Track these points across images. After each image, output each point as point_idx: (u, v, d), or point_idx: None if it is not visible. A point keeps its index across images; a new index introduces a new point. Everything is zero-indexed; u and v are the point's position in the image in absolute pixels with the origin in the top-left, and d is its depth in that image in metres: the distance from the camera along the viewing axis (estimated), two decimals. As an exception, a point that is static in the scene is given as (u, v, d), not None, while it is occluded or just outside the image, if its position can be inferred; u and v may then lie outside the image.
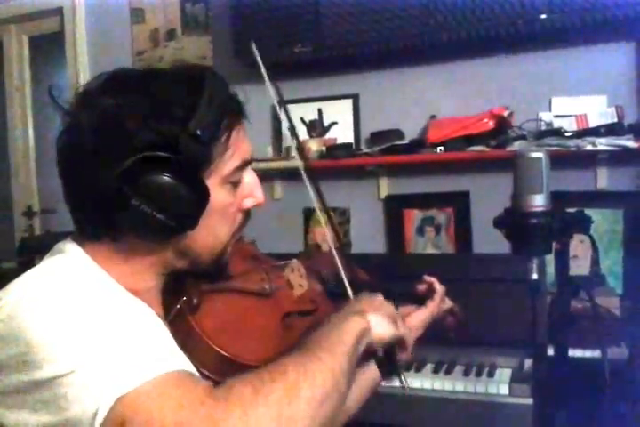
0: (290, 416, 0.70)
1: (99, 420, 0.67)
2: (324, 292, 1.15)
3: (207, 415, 0.68)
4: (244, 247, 1.13)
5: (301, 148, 1.03)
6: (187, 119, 0.79)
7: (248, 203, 0.91)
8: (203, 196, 0.81)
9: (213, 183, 0.84)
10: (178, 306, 0.89)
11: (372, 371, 1.12)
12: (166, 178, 0.78)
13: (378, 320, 0.92)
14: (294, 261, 1.16)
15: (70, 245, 0.87)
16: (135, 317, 0.80)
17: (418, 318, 1.18)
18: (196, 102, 0.80)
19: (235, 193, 0.89)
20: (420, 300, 1.23)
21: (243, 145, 0.88)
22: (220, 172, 0.85)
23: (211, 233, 0.87)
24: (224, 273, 0.95)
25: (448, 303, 1.26)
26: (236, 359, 0.87)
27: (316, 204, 1.07)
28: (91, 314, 0.74)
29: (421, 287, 1.25)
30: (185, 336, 0.87)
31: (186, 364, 0.78)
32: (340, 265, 1.07)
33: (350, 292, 1.05)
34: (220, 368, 0.87)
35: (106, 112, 0.80)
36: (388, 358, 1.00)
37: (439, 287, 1.23)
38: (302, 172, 1.07)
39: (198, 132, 0.79)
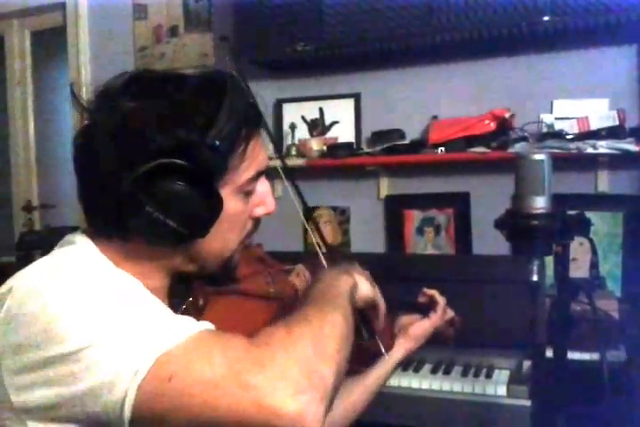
0: (322, 351, 0.75)
1: (139, 378, 0.68)
2: None
3: (256, 359, 0.71)
4: (251, 250, 1.14)
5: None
6: (206, 128, 0.79)
7: (259, 211, 0.91)
8: (216, 205, 0.81)
9: (227, 192, 0.83)
10: (184, 307, 0.90)
11: (379, 373, 1.16)
12: (181, 186, 0.78)
13: (362, 280, 0.98)
14: (300, 266, 1.18)
15: (81, 237, 0.87)
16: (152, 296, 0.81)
17: (421, 327, 1.22)
18: (217, 111, 0.80)
19: (247, 202, 0.88)
20: (422, 309, 1.25)
21: (259, 156, 0.87)
22: (235, 182, 0.85)
23: (220, 240, 0.87)
24: (231, 277, 0.95)
25: (450, 314, 1.28)
26: None
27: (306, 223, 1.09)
28: (110, 288, 0.76)
29: (422, 299, 1.27)
30: None
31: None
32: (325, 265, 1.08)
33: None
34: None
35: (126, 115, 0.79)
36: (364, 322, 1.04)
37: (441, 299, 1.25)
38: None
39: (217, 143, 0.79)
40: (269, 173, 1.08)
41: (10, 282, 0.78)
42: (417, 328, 1.21)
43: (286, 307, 1.05)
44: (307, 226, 1.09)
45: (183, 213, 0.79)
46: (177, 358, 0.70)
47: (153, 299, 0.79)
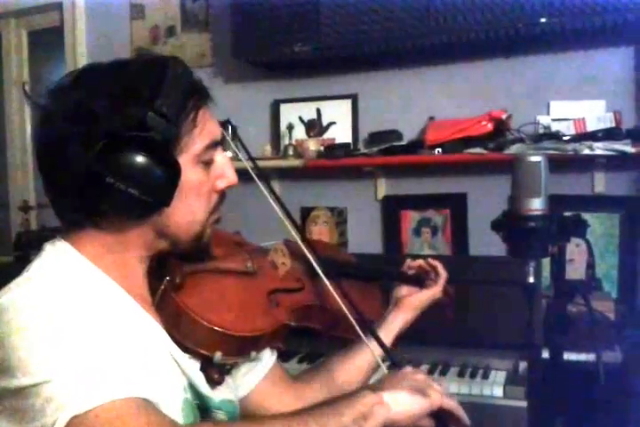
0: None
1: None
2: (309, 272, 1.15)
3: None
4: (227, 235, 1.16)
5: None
6: (152, 99, 0.82)
7: (221, 183, 0.93)
8: (173, 170, 0.83)
9: (185, 161, 0.86)
10: (162, 286, 0.91)
11: (366, 353, 1.15)
12: (137, 155, 0.81)
13: (396, 397, 0.84)
14: (279, 242, 1.19)
15: (59, 243, 0.88)
16: (118, 335, 0.80)
17: (419, 298, 1.25)
18: (161, 84, 0.83)
19: (208, 173, 0.91)
20: (417, 281, 1.27)
21: (210, 124, 0.90)
22: (191, 150, 0.87)
23: (187, 212, 0.89)
24: (205, 254, 0.97)
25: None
26: (224, 331, 0.90)
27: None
28: (70, 329, 0.75)
29: (417, 264, 1.30)
30: (173, 316, 0.90)
31: (156, 395, 0.78)
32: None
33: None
34: (213, 343, 0.90)
35: (75, 101, 0.83)
36: None
37: (444, 272, 1.28)
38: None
39: (164, 110, 0.82)
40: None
41: None
42: (415, 299, 1.24)
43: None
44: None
45: (143, 181, 0.81)
46: (88, 421, 0.69)
47: (114, 342, 0.78)
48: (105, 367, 0.74)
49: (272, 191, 1.07)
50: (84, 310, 0.78)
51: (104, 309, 0.82)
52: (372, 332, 1.00)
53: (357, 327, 0.99)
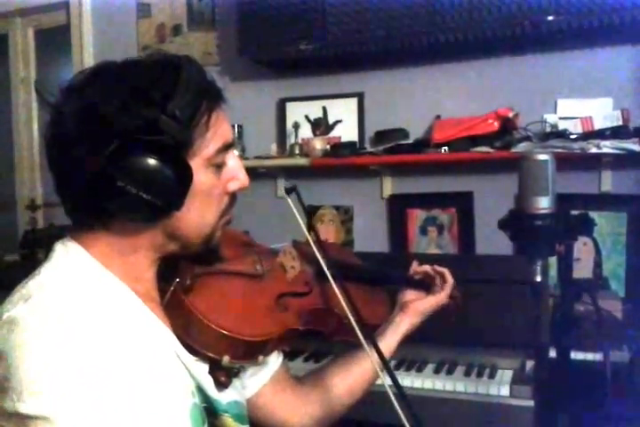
0: None
1: None
2: (318, 275, 1.14)
3: None
4: (237, 236, 1.16)
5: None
6: (165, 102, 0.81)
7: (233, 186, 0.92)
8: (185, 174, 0.82)
9: (197, 165, 0.85)
10: (172, 288, 0.91)
11: (364, 361, 1.14)
12: (148, 158, 0.80)
13: None
14: (287, 244, 1.18)
15: (69, 243, 0.88)
16: (126, 364, 0.79)
17: (425, 303, 1.24)
18: (174, 86, 0.82)
19: (219, 176, 0.90)
20: (424, 285, 1.27)
21: (223, 127, 0.89)
22: (203, 153, 0.86)
23: (198, 215, 0.88)
24: (215, 256, 0.97)
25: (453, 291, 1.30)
26: (233, 335, 0.89)
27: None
28: (76, 363, 0.73)
29: (424, 270, 1.29)
30: (182, 318, 0.89)
31: None
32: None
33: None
34: (221, 347, 0.89)
35: (88, 101, 0.82)
36: None
37: (450, 279, 1.27)
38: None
39: (177, 113, 0.80)
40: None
41: (2, 308, 0.78)
42: (421, 304, 1.23)
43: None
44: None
45: (155, 185, 0.80)
46: None
47: (120, 371, 0.77)
48: (101, 417, 0.72)
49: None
50: (92, 336, 0.76)
51: (113, 327, 0.80)
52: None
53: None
